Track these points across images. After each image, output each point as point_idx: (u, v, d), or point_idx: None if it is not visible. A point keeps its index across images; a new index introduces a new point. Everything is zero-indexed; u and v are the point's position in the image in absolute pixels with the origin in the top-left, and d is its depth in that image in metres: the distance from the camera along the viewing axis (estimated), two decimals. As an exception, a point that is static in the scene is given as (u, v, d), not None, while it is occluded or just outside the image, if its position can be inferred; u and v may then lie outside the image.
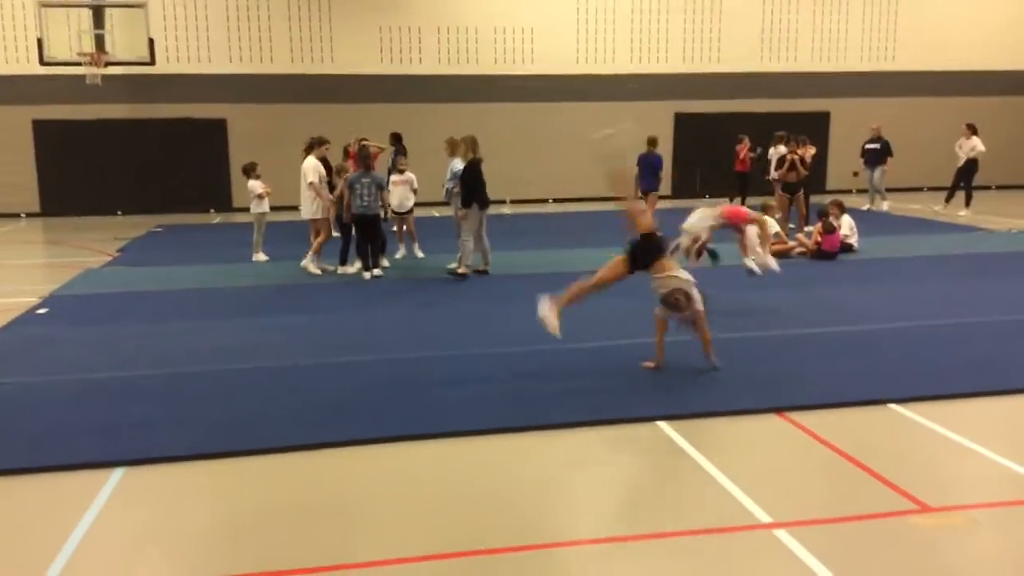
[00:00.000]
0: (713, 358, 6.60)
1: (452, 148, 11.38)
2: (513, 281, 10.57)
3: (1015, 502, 4.44)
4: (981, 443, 5.17)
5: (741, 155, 18.25)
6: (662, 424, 5.56)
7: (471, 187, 10.71)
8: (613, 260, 6.74)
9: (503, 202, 20.03)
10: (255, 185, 12.04)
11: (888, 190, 17.83)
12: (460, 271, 10.71)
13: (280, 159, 15.18)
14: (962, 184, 16.43)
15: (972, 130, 16.36)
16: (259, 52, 19.17)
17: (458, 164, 11.16)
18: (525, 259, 12.15)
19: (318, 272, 11.07)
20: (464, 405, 5.96)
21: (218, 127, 19.07)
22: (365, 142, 13.02)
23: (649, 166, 14.70)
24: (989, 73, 21.79)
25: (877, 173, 17.23)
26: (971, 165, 16.29)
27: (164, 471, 5.02)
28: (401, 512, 4.50)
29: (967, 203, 16.25)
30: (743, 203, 18.25)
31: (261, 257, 12.24)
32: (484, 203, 10.93)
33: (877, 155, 17.10)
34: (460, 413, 5.79)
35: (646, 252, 6.54)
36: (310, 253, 11.16)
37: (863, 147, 17.37)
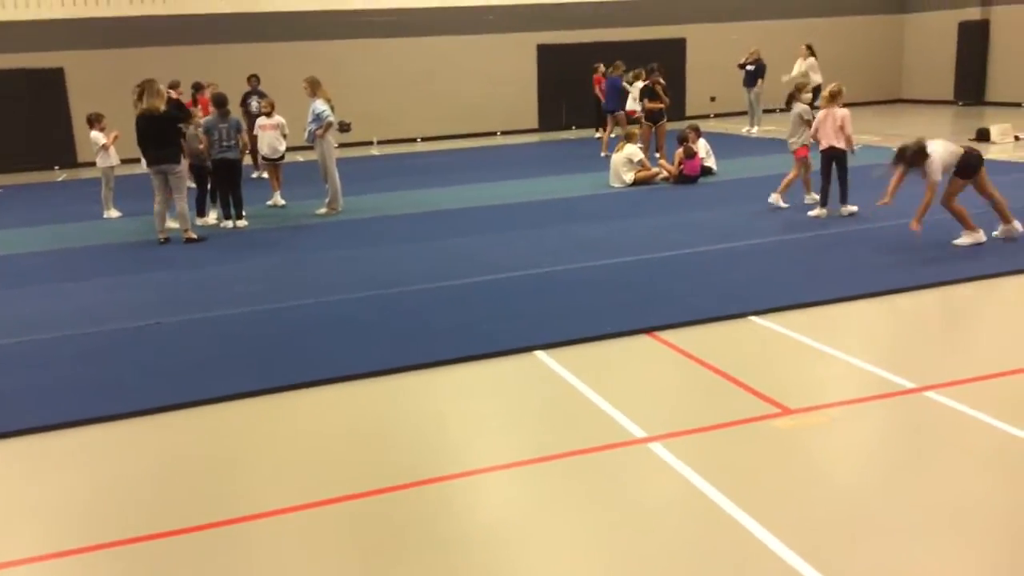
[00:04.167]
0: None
1: (313, 88, 10.98)
2: (379, 223, 10.46)
3: (866, 399, 4.78)
4: (835, 347, 5.52)
5: (600, 85, 18.42)
6: (539, 353, 5.66)
7: (140, 142, 9.53)
8: None
9: (370, 143, 19.65)
10: (98, 136, 11.34)
11: (740, 113, 18.45)
12: (188, 235, 9.71)
13: (126, 108, 14.27)
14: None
15: (810, 50, 17.02)
16: (93, -7, 17.85)
17: (320, 105, 10.82)
18: (392, 200, 11.99)
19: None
20: (340, 350, 5.89)
21: (55, 77, 17.74)
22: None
23: (612, 88, 15.63)
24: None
25: (752, 95, 17.78)
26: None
27: (30, 442, 4.76)
28: (287, 461, 4.43)
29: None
30: (609, 134, 18.55)
31: (113, 213, 11.60)
32: (150, 160, 9.49)
33: (752, 77, 17.61)
34: (337, 359, 5.72)
35: None
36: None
37: (741, 69, 17.78)
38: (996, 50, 21.20)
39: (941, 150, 7.46)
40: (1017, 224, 7.85)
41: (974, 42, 21.24)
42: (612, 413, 4.70)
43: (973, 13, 21.58)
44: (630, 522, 3.66)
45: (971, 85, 21.25)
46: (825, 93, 9.19)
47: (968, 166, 7.55)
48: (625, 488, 3.96)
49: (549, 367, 5.46)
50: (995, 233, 7.86)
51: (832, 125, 8.98)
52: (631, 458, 4.23)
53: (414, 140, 20.26)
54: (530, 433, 4.63)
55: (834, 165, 9.15)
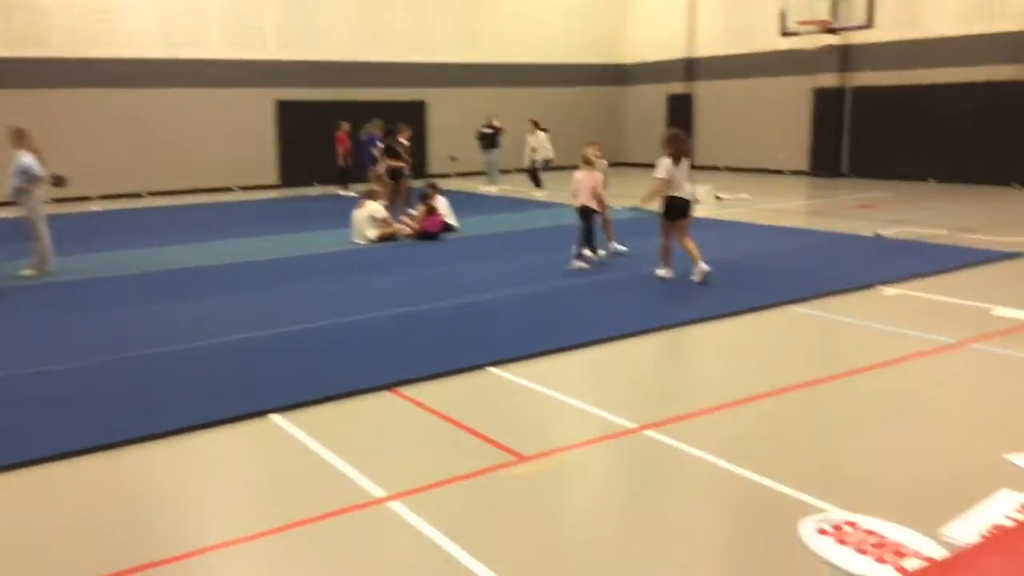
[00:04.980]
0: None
1: (17, 139, 9.96)
2: (95, 285, 9.64)
3: (592, 440, 5.02)
4: (565, 392, 5.79)
5: (344, 144, 18.50)
6: (275, 416, 5.42)
7: None
8: None
9: (89, 198, 18.18)
10: None
11: (480, 173, 19.24)
12: None
13: None
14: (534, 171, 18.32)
15: (536, 125, 18.29)
16: None
17: (26, 158, 9.83)
18: (112, 261, 11.12)
19: None
20: (41, 428, 5.27)
21: None
22: None
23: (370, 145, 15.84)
24: (563, 66, 24.46)
25: (492, 156, 18.55)
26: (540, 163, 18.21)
27: None
28: (10, 551, 3.86)
29: (538, 185, 18.15)
30: (347, 190, 18.59)
31: None
32: None
33: (491, 139, 18.38)
34: (37, 438, 5.11)
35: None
36: None
37: (478, 132, 18.50)
38: (699, 119, 23.84)
39: (668, 162, 8.88)
40: (704, 265, 8.88)
41: (680, 111, 23.75)
42: (351, 474, 4.58)
43: (678, 87, 24.18)
44: (368, 586, 3.56)
45: (680, 150, 23.71)
46: (584, 157, 10.09)
47: (673, 209, 8.88)
48: (367, 551, 3.85)
49: (285, 430, 5.23)
50: (692, 276, 8.86)
51: (587, 187, 9.92)
52: (372, 519, 4.13)
53: (139, 195, 19.00)
54: (267, 502, 4.39)
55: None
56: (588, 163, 10.05)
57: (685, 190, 8.93)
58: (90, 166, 17.98)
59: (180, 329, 7.53)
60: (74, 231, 13.26)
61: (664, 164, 8.87)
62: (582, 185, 9.97)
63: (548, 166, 18.32)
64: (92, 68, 18.29)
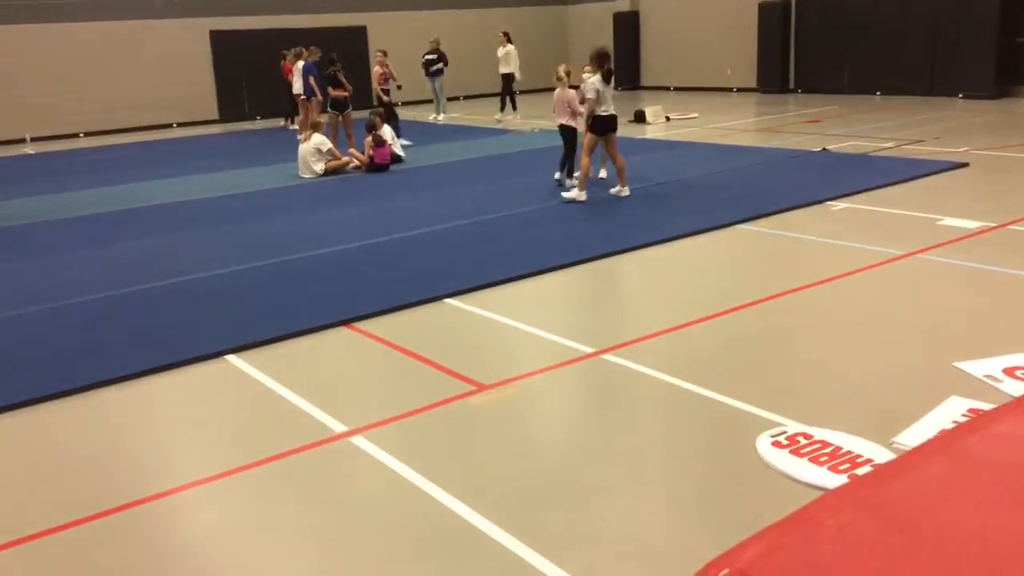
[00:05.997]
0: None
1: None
2: (33, 230, 9.37)
3: (551, 367, 5.04)
4: (522, 321, 5.79)
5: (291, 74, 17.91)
6: (231, 358, 5.35)
7: None
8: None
9: (23, 140, 17.50)
10: None
11: (426, 101, 18.82)
12: None
13: None
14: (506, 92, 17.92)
15: (507, 38, 17.82)
16: None
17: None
18: (50, 204, 10.78)
19: None
20: (3, 376, 5.16)
21: None
22: None
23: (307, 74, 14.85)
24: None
25: (436, 84, 18.05)
26: (509, 77, 17.79)
27: None
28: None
29: (502, 108, 17.80)
30: (292, 124, 18.08)
31: None
32: None
33: (434, 66, 17.84)
34: (1, 385, 5.00)
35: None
36: None
37: (423, 58, 17.95)
38: (646, 38, 23.53)
39: (596, 80, 8.75)
40: (627, 189, 9.26)
41: (627, 31, 23.39)
42: (312, 411, 4.56)
43: (624, 5, 23.76)
44: (341, 519, 3.58)
45: (628, 71, 23.41)
46: (556, 73, 9.79)
47: (604, 125, 8.90)
48: (332, 485, 3.86)
49: (243, 371, 5.17)
50: (612, 191, 9.31)
51: (561, 104, 9.70)
52: (335, 454, 4.13)
53: (76, 136, 18.32)
54: (229, 442, 4.36)
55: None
56: (559, 79, 9.75)
57: (612, 107, 8.99)
58: (21, 107, 17.26)
59: (127, 272, 7.35)
60: (9, 175, 12.78)
61: (595, 82, 8.77)
62: (556, 102, 9.80)
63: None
64: (15, 2, 17.36)
